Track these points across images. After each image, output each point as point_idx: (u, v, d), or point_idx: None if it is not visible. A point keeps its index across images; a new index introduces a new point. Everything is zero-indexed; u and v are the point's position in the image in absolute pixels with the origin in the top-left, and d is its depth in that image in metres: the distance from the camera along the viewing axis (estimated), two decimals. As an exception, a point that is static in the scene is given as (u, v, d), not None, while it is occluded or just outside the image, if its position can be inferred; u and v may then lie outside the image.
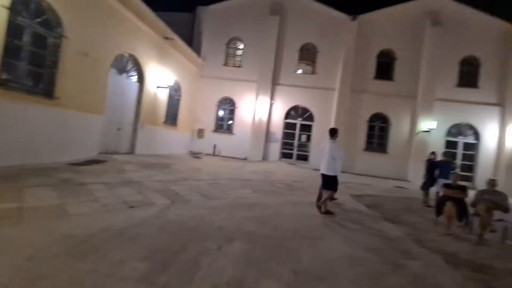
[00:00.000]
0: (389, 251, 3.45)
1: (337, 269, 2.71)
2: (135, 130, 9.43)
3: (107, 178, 5.33)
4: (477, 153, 13.05)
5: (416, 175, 11.26)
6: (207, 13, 14.43)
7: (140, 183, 5.39)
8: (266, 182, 7.73)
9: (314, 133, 13.98)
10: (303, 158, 14.18)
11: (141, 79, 9.43)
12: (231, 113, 14.52)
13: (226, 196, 5.46)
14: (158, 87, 10.24)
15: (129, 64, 8.95)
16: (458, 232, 4.61)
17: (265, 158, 13.83)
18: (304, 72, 14.41)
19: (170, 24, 10.55)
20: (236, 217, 4.06)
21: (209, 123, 14.33)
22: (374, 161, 13.32)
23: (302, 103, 14.08)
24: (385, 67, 13.78)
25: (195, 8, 14.71)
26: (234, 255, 2.73)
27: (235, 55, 14.73)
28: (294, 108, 14.22)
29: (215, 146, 13.98)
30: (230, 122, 14.57)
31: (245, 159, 13.51)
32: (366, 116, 13.63)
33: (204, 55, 14.24)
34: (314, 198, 6.00)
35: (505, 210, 4.65)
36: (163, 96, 10.79)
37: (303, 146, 14.34)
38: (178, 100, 12.38)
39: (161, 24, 9.85)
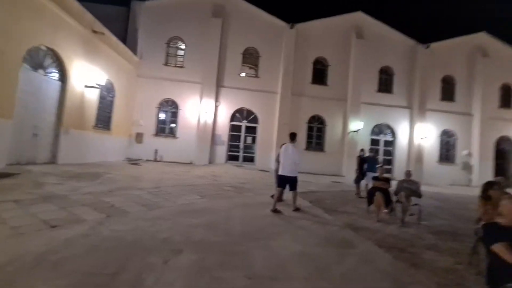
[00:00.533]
0: (333, 242, 3.72)
1: (289, 268, 2.77)
2: (57, 136, 8.11)
3: (18, 194, 4.40)
4: (394, 149, 15.31)
5: (349, 170, 12.60)
6: (143, 9, 13.43)
7: (65, 197, 4.62)
8: (214, 186, 7.54)
9: (259, 134, 14.32)
10: (249, 159, 14.38)
11: (63, 77, 8.18)
12: (174, 115, 13.79)
13: (170, 204, 5.10)
14: (86, 86, 9.04)
15: (48, 59, 7.66)
16: (386, 218, 5.26)
17: (211, 161, 13.54)
18: (247, 75, 14.67)
19: (101, 17, 9.45)
20: (183, 226, 3.81)
21: (149, 127, 13.31)
22: (313, 159, 14.33)
23: (246, 105, 14.28)
24: (320, 73, 15.05)
25: (129, 2, 13.54)
26: (183, 267, 2.53)
27: (176, 55, 14.08)
28: (239, 111, 14.32)
29: (156, 151, 13.06)
30: (173, 125, 13.82)
31: (190, 163, 12.98)
32: (306, 118, 14.62)
33: (141, 53, 13.21)
34: (263, 198, 6.14)
35: (419, 196, 5.53)
36: (92, 96, 9.57)
37: (249, 148, 14.55)
38: (112, 101, 11.16)
39: (88, 16, 8.72)
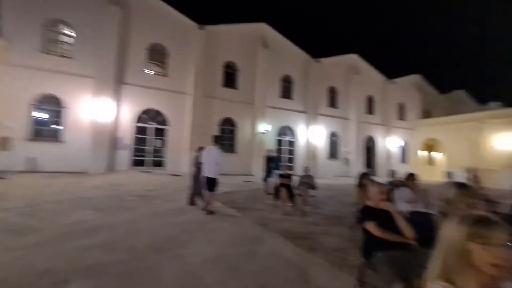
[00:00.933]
0: (245, 240, 3.86)
1: (201, 274, 2.69)
2: None
3: None
4: (295, 148, 17.37)
5: (258, 169, 13.46)
6: (6, -23, 10.40)
7: None
8: (114, 197, 6.58)
9: (170, 137, 13.48)
10: (159, 164, 13.33)
11: None
12: (58, 115, 11.26)
13: (51, 225, 4.12)
14: None
15: None
16: (290, 211, 5.88)
17: (111, 169, 11.79)
18: (155, 73, 13.55)
19: None
20: (70, 250, 3.15)
21: (20, 129, 10.41)
22: (226, 161, 14.27)
23: (155, 106, 13.17)
24: (230, 76, 15.48)
25: (-19, -36, 10.22)
26: (71, 301, 2.08)
27: (60, 42, 11.55)
28: (146, 111, 13.06)
29: (32, 160, 10.35)
30: (58, 127, 11.26)
31: (84, 172, 10.91)
32: (218, 120, 14.73)
33: (8, 35, 10.20)
34: (174, 205, 5.80)
35: (315, 188, 6.45)
36: None
37: (158, 152, 13.46)
38: (-47, 94, 8.13)
39: None
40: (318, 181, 7.41)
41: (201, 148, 6.24)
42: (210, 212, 5.40)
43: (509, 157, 15.82)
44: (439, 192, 3.42)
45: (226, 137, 15.09)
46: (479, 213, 1.09)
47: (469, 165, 12.47)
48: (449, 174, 6.87)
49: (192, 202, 6.15)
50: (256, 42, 16.02)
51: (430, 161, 21.96)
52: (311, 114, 17.63)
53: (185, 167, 13.05)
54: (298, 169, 15.83)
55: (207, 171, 5.57)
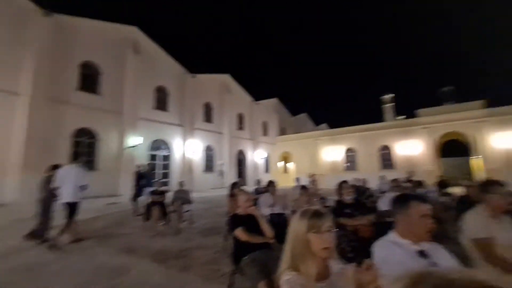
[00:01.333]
0: (104, 275, 3.22)
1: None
2: None
3: None
4: (170, 162, 16.61)
5: (127, 187, 11.84)
6: None
7: None
8: None
9: (-16, 152, 9.56)
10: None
11: None
12: None
13: None
14: None
15: None
16: (163, 230, 5.47)
17: None
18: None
19: None
20: None
21: None
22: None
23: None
24: (89, 79, 13.02)
25: None
26: None
27: None
28: None
29: None
30: None
31: None
32: (70, 130, 11.88)
33: None
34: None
35: (190, 202, 6.36)
36: None
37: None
38: None
39: None
40: (194, 194, 7.37)
41: (55, 167, 4.90)
42: (53, 246, 4.21)
43: (332, 164, 21.72)
44: (290, 195, 4.24)
45: (83, 151, 12.38)
46: (313, 208, 1.35)
47: (309, 171, 16.10)
48: (297, 180, 8.58)
49: (32, 237, 4.61)
50: (126, 46, 14.44)
51: (285, 170, 26.68)
52: (187, 128, 17.52)
53: (13, 192, 9.66)
54: (173, 184, 15.12)
55: (66, 196, 4.56)
